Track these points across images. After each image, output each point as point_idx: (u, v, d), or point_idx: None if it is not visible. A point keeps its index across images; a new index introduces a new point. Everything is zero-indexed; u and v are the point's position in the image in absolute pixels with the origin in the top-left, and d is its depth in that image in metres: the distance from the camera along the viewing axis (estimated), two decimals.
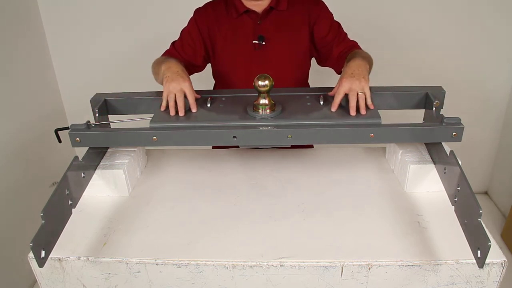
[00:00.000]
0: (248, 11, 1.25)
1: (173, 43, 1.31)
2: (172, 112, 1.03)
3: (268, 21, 1.25)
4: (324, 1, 1.30)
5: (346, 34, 1.29)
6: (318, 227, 0.92)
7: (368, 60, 1.11)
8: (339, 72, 1.29)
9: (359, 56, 1.11)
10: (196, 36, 1.27)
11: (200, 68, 1.34)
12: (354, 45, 1.25)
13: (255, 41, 1.24)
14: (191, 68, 1.29)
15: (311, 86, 1.40)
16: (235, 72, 1.30)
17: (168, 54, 1.27)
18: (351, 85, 1.01)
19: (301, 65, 1.32)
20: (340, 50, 1.24)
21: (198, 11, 1.30)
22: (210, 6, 1.29)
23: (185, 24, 1.31)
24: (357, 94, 1.00)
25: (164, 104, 1.06)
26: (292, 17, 1.25)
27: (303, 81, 1.38)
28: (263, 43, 1.24)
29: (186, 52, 1.27)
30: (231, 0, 1.26)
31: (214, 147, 1.34)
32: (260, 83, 0.98)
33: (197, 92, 1.12)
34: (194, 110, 1.05)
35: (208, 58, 1.33)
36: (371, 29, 2.00)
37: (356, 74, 1.02)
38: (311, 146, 1.37)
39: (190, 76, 1.13)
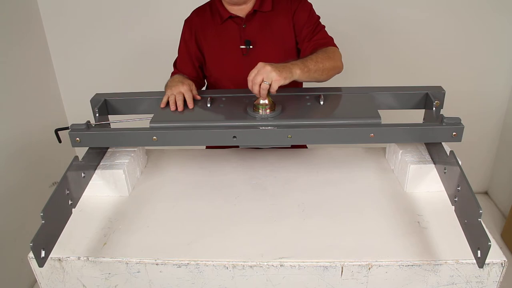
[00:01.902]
0: (232, 16, 1.24)
1: (175, 64, 1.33)
2: (172, 108, 1.07)
3: (252, 24, 1.24)
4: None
5: (323, 28, 1.26)
6: (318, 227, 0.92)
7: (317, 62, 1.08)
8: None
9: (311, 56, 1.09)
10: (188, 49, 1.29)
11: (202, 80, 1.36)
12: (327, 43, 1.22)
13: (242, 46, 1.24)
14: (200, 80, 1.33)
15: (310, 86, 1.40)
16: (226, 79, 1.30)
17: (173, 75, 1.31)
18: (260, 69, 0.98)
19: None
20: (311, 46, 1.21)
21: (185, 23, 1.30)
22: (195, 14, 1.30)
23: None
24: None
25: (164, 100, 1.09)
26: (276, 17, 1.24)
27: None
28: (251, 47, 1.24)
29: (187, 67, 1.30)
30: (215, 7, 1.26)
31: (208, 147, 1.34)
32: None
33: (198, 93, 1.14)
34: (190, 106, 1.08)
35: (201, 65, 1.34)
36: (371, 29, 2.00)
37: (278, 66, 0.99)
38: (304, 146, 1.36)
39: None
